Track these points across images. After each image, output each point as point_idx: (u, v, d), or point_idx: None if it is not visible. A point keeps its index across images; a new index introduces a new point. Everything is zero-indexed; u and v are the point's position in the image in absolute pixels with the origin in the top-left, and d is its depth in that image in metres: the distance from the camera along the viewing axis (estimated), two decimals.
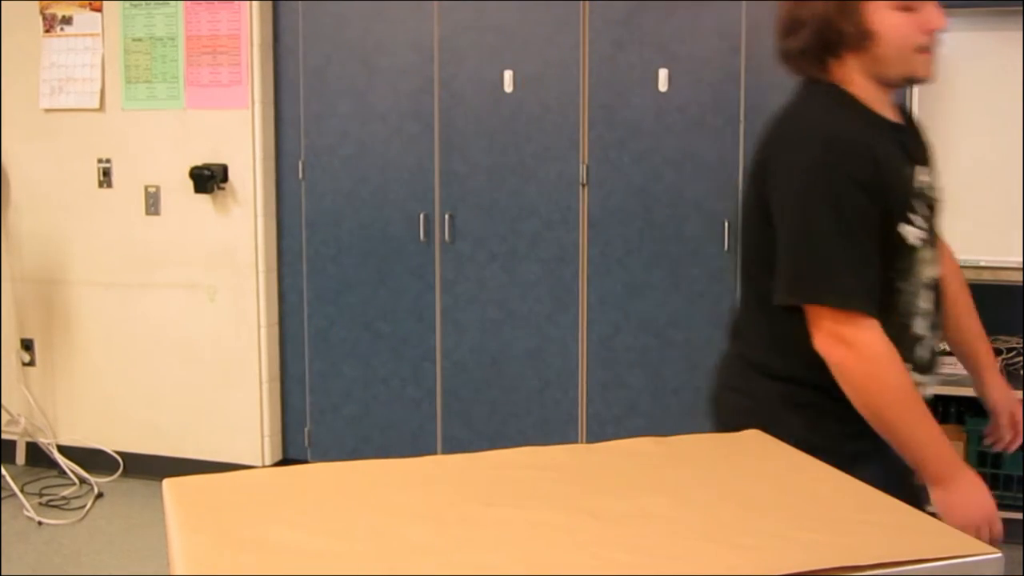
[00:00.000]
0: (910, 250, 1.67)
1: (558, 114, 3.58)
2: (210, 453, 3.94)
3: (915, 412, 1.62)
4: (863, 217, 1.60)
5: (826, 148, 1.62)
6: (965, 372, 3.39)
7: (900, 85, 1.71)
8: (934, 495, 1.62)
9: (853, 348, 1.60)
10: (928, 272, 1.72)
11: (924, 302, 1.72)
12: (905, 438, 1.63)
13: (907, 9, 1.63)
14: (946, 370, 3.39)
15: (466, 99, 3.67)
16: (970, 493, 1.60)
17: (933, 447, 1.62)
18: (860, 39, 1.64)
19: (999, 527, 1.58)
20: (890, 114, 1.72)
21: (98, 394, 4.08)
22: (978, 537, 1.47)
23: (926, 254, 1.71)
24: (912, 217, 1.67)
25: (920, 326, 1.71)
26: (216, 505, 1.41)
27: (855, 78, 1.69)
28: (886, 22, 1.63)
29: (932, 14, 1.64)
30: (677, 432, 1.75)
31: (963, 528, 1.51)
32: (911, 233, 1.66)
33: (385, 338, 3.84)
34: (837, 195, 1.59)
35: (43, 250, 4.09)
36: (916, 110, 3.40)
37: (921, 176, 1.72)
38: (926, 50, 1.66)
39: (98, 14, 3.93)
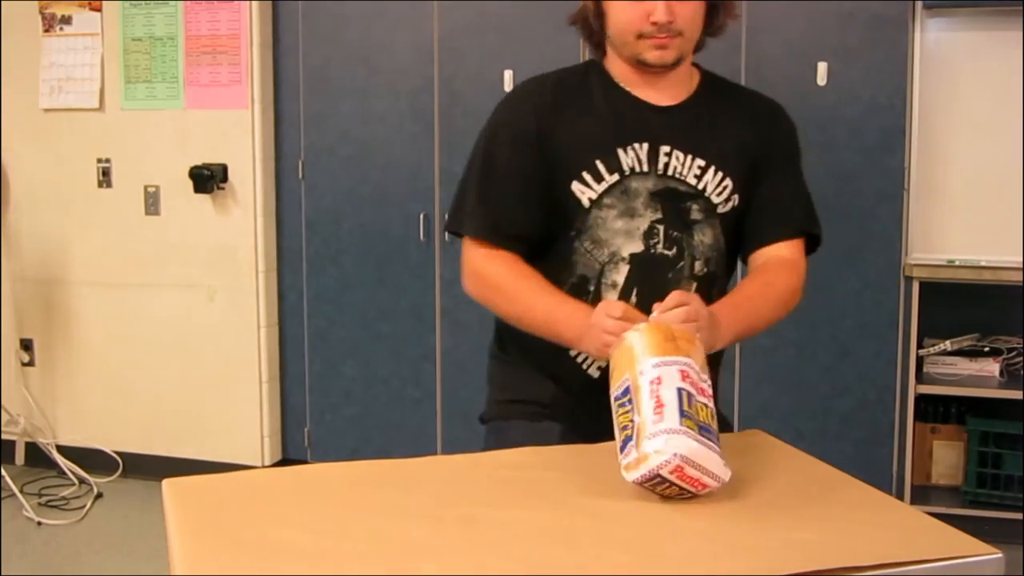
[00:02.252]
0: (583, 209, 1.77)
1: None
2: (209, 453, 3.93)
3: (520, 302, 1.77)
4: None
5: (505, 96, 1.88)
6: (965, 372, 3.41)
7: (644, 66, 1.77)
8: (583, 351, 1.72)
9: None
10: (622, 244, 1.77)
11: (616, 275, 1.78)
12: (532, 327, 1.76)
13: None
14: (946, 370, 3.42)
15: (466, 99, 3.66)
16: (593, 329, 1.63)
17: (553, 325, 1.72)
18: (597, 18, 1.78)
19: (615, 310, 1.60)
20: (652, 93, 1.80)
21: (97, 394, 4.08)
22: (609, 332, 1.57)
23: (616, 223, 1.77)
24: (586, 177, 1.76)
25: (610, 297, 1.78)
26: (216, 505, 1.40)
27: (612, 56, 1.83)
28: (612, 5, 1.75)
29: (654, 5, 1.70)
30: None
31: (599, 347, 1.60)
32: (583, 192, 1.77)
33: (385, 338, 3.84)
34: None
35: (42, 250, 4.09)
36: (916, 109, 3.40)
37: (663, 156, 1.78)
38: (651, 37, 1.72)
39: (97, 14, 3.92)
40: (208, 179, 3.78)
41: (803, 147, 1.91)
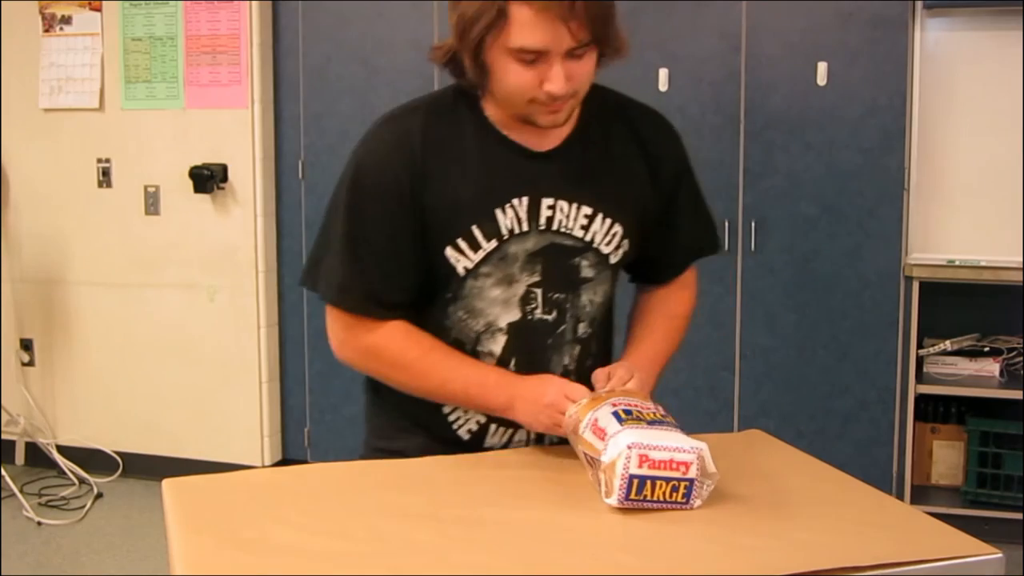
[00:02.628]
0: (458, 278, 1.63)
1: None
2: (210, 453, 3.93)
3: (434, 376, 1.65)
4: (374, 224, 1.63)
5: (365, 139, 1.69)
6: (965, 372, 3.41)
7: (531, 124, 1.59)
8: (513, 418, 1.63)
9: None
10: (499, 313, 1.65)
11: (493, 345, 1.66)
12: (447, 398, 1.67)
13: (524, 61, 1.50)
14: (946, 370, 3.42)
15: None
16: (530, 402, 1.58)
17: (477, 395, 1.63)
18: (478, 73, 1.56)
19: (571, 392, 1.55)
20: (531, 137, 1.62)
21: (97, 394, 4.08)
22: (553, 414, 1.54)
23: (493, 292, 1.64)
24: (462, 244, 1.61)
25: None
26: (216, 505, 1.41)
27: (489, 99, 1.63)
28: (500, 66, 1.53)
29: (550, 75, 1.50)
30: None
31: (549, 425, 1.56)
32: (458, 260, 1.62)
33: None
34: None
35: (42, 250, 4.09)
36: (916, 109, 3.40)
37: (546, 209, 1.63)
38: (543, 103, 1.54)
39: (97, 14, 3.92)
40: (208, 179, 3.78)
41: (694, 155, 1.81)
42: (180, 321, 3.95)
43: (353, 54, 3.77)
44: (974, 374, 3.38)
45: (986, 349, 3.41)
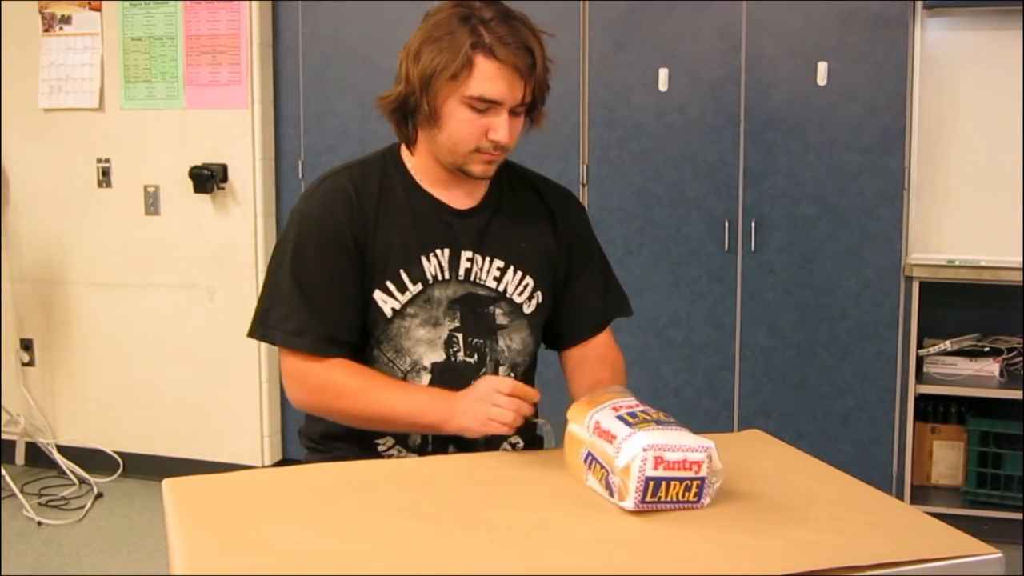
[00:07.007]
0: (385, 319, 1.75)
1: (558, 114, 3.58)
2: (210, 453, 3.93)
3: (375, 400, 1.70)
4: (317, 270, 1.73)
5: (304, 197, 1.79)
6: (965, 372, 3.42)
7: (455, 172, 1.76)
8: (455, 428, 1.66)
9: None
10: (424, 353, 1.77)
11: (419, 383, 1.77)
12: (390, 421, 1.72)
13: (476, 110, 1.67)
14: (946, 370, 3.42)
15: None
16: (467, 401, 1.64)
17: (418, 411, 1.68)
18: (429, 117, 1.72)
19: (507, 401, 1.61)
20: (452, 195, 1.79)
21: (97, 394, 4.08)
22: (499, 406, 1.59)
23: (418, 332, 1.76)
24: (390, 287, 1.74)
25: None
26: (216, 505, 1.41)
27: (420, 150, 1.80)
28: (453, 113, 1.69)
29: (497, 125, 1.68)
30: None
31: (484, 420, 1.62)
32: (386, 302, 1.75)
33: None
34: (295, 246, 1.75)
35: (42, 250, 4.09)
36: (916, 109, 3.40)
37: (464, 261, 1.78)
38: (484, 152, 1.71)
39: (97, 13, 3.92)
40: (208, 179, 3.78)
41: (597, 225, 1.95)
42: (180, 321, 3.95)
43: (353, 54, 3.77)
44: (974, 374, 3.38)
45: (986, 349, 3.41)
